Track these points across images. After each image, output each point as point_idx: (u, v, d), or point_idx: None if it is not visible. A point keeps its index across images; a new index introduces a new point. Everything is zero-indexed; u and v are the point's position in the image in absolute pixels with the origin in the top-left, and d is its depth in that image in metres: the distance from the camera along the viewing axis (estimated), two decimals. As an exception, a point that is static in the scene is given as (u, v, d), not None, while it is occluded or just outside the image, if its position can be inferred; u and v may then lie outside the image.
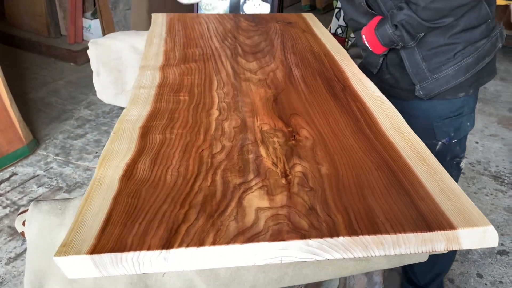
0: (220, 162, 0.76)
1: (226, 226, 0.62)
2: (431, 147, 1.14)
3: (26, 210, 0.76)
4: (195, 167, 0.74)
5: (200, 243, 0.59)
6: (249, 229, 0.62)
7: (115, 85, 1.44)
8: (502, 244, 1.78)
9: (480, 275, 1.62)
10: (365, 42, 1.17)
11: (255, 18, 1.55)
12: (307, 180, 0.72)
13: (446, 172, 0.76)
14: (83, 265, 0.58)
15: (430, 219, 0.65)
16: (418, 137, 0.85)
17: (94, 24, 3.36)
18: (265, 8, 2.63)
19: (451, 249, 0.67)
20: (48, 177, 1.99)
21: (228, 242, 0.60)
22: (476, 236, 0.64)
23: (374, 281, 0.80)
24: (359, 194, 0.69)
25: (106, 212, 0.64)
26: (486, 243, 0.66)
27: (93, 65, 1.42)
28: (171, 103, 0.95)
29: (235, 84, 1.05)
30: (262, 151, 0.79)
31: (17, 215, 0.77)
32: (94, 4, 3.37)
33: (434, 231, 0.63)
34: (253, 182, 0.71)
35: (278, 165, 0.76)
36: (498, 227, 1.86)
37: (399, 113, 0.94)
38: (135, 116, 0.90)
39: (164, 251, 0.58)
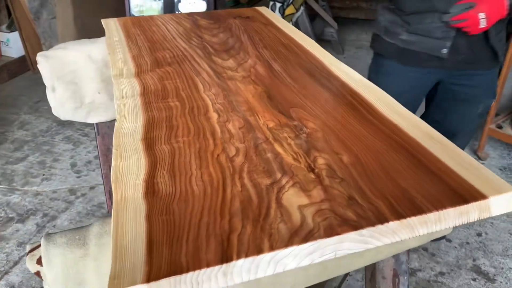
0: (241, 165, 0.73)
1: (276, 229, 0.60)
2: (488, 106, 1.35)
3: (36, 248, 0.68)
4: (219, 174, 0.71)
5: (258, 250, 0.57)
6: (300, 229, 0.60)
7: (73, 99, 1.33)
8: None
9: (448, 240, 1.72)
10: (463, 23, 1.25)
11: (211, 16, 1.52)
12: (335, 171, 0.71)
13: (455, 146, 0.79)
14: (138, 295, 0.53)
15: (462, 192, 0.67)
16: (417, 116, 0.88)
17: (12, 38, 3.09)
18: (201, 6, 2.58)
19: (482, 218, 0.70)
20: (-6, 209, 1.81)
21: (286, 245, 0.57)
22: (504, 202, 0.68)
23: (401, 260, 0.82)
24: (389, 178, 0.70)
25: (145, 235, 0.59)
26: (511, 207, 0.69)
27: (47, 80, 1.30)
28: (164, 111, 0.90)
29: (221, 84, 1.01)
30: (278, 148, 0.77)
31: (27, 254, 0.69)
32: (9, 16, 3.10)
33: (470, 203, 0.66)
34: (284, 181, 0.69)
35: (300, 160, 0.74)
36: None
37: (389, 96, 0.97)
38: (130, 129, 0.84)
39: (224, 265, 0.55)
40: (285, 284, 0.72)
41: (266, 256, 0.57)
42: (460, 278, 1.54)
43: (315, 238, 0.59)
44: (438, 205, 0.65)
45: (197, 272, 0.54)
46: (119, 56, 1.16)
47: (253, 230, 0.60)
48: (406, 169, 0.72)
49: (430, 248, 1.69)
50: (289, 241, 0.58)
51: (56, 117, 2.54)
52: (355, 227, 0.61)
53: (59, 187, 1.96)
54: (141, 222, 0.61)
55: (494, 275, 1.56)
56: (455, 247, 1.68)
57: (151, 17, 1.50)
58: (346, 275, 1.13)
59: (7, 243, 1.65)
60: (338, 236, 0.60)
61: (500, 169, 2.15)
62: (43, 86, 2.71)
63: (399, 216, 0.63)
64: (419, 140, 0.81)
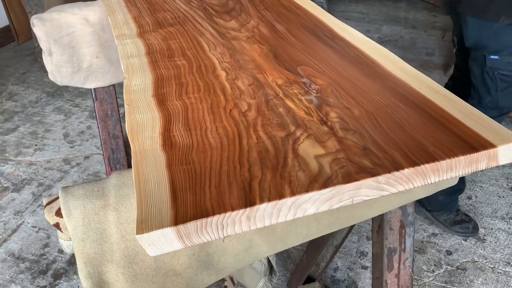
0: (255, 119, 0.74)
1: (295, 176, 0.61)
2: None
3: (53, 200, 0.68)
4: (233, 127, 0.71)
5: (280, 195, 0.58)
6: (319, 176, 0.61)
7: (71, 63, 1.31)
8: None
9: (431, 223, 1.77)
10: None
11: (208, -21, 1.49)
12: (348, 124, 0.72)
13: (460, 99, 0.81)
14: (166, 239, 0.54)
15: (471, 141, 0.69)
16: (422, 73, 0.90)
17: (-5, 6, 2.99)
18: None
19: (490, 167, 0.72)
20: (-12, 179, 1.79)
21: (307, 190, 0.59)
22: (511, 151, 0.70)
23: (408, 212, 0.85)
24: (401, 129, 0.72)
25: (168, 182, 0.60)
26: (518, 157, 0.72)
27: (43, 43, 1.27)
28: (171, 69, 0.89)
29: (225, 44, 1.01)
30: (290, 103, 0.78)
31: (44, 207, 0.69)
32: (-10, -16, 3.00)
33: (479, 151, 0.68)
34: (298, 133, 0.70)
35: (312, 114, 0.75)
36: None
37: (394, 54, 0.98)
38: (139, 86, 0.84)
39: (248, 209, 0.56)
40: (299, 234, 0.74)
41: (287, 201, 0.58)
42: (452, 238, 1.60)
43: (333, 184, 0.60)
44: (450, 154, 0.67)
45: (222, 215, 0.56)
46: (119, 17, 1.14)
47: (273, 177, 0.61)
48: (417, 122, 0.74)
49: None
50: (309, 187, 0.59)
51: (45, 88, 2.50)
52: (372, 173, 0.62)
53: (53, 157, 1.94)
54: (163, 171, 0.62)
55: (484, 235, 1.61)
56: (444, 213, 1.73)
57: (147, -21, 1.47)
58: (348, 233, 1.16)
59: (3, 212, 1.64)
60: (356, 182, 0.61)
61: None
62: (28, 57, 2.66)
63: (413, 163, 0.64)
64: (426, 94, 0.82)
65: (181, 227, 0.54)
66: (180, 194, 0.58)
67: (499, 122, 1.55)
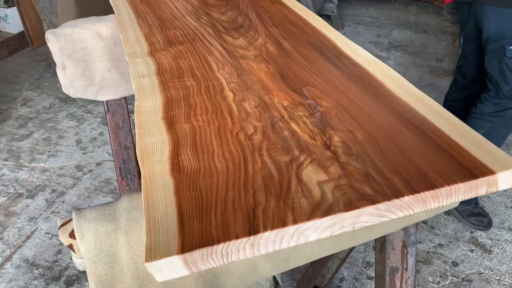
0: (260, 142, 0.76)
1: (298, 203, 0.63)
2: None
3: (66, 222, 0.71)
4: (239, 151, 0.74)
5: (283, 223, 0.60)
6: (321, 203, 0.63)
7: (84, 77, 1.35)
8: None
9: (447, 213, 1.78)
10: None
11: (218, -7, 1.52)
12: (350, 149, 0.75)
13: (463, 123, 0.83)
14: (173, 266, 0.57)
15: (471, 167, 0.71)
16: (424, 93, 0.91)
17: (11, 13, 3.05)
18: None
19: (490, 192, 0.73)
20: (3, 185, 1.84)
21: (309, 218, 0.61)
22: (510, 177, 0.72)
23: (410, 232, 0.86)
24: (401, 154, 0.74)
25: (175, 208, 0.62)
26: (518, 182, 0.73)
27: (57, 58, 1.31)
28: (181, 90, 0.92)
29: (233, 63, 1.03)
30: (294, 126, 0.80)
31: (58, 228, 0.72)
32: (6, -9, 3.06)
33: (479, 178, 0.69)
34: (302, 158, 0.72)
35: (316, 138, 0.77)
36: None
37: (397, 73, 0.99)
38: (150, 107, 0.86)
39: (251, 237, 0.59)
40: (302, 255, 0.76)
41: (290, 229, 0.60)
42: (458, 249, 1.60)
43: (335, 212, 0.62)
44: (449, 180, 0.68)
45: (227, 243, 0.58)
46: (131, 34, 1.18)
47: (276, 204, 0.63)
48: (418, 146, 0.76)
49: (429, 221, 1.74)
50: (311, 215, 0.62)
51: (58, 93, 2.55)
52: (373, 201, 0.64)
53: (65, 164, 1.99)
54: (171, 197, 0.65)
55: (491, 246, 1.62)
56: (453, 220, 1.74)
57: (158, -6, 1.50)
58: (352, 248, 1.18)
59: (18, 218, 1.69)
60: (357, 210, 0.63)
61: None
62: (42, 63, 2.71)
63: (413, 191, 0.66)
64: (428, 117, 0.84)
65: (187, 255, 0.57)
66: (187, 221, 0.61)
67: None
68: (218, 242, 0.58)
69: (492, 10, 1.56)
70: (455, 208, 1.74)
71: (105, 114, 1.45)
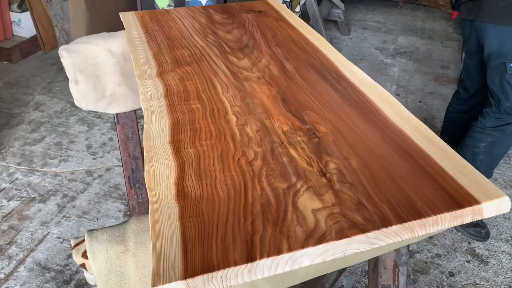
0: (260, 168, 0.81)
1: (293, 232, 0.68)
2: None
3: (79, 243, 0.77)
4: (240, 177, 0.79)
5: (278, 251, 0.65)
6: (314, 232, 0.68)
7: (95, 91, 1.41)
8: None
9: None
10: None
11: (224, 9, 1.57)
12: (345, 176, 0.79)
13: (453, 150, 0.87)
14: (177, 289, 0.62)
15: (458, 197, 0.75)
16: (418, 119, 0.96)
17: (24, 18, 3.13)
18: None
19: (475, 220, 0.78)
20: (16, 189, 1.91)
21: (302, 247, 0.66)
22: (495, 206, 0.76)
23: (401, 253, 0.91)
24: (393, 183, 0.78)
25: (179, 235, 0.68)
26: (502, 211, 0.78)
27: (70, 73, 1.37)
28: (187, 113, 0.97)
29: (237, 85, 1.08)
30: (293, 152, 0.85)
31: (72, 248, 0.78)
32: (20, -5, 3.13)
33: (464, 207, 0.74)
34: (298, 185, 0.77)
35: (313, 164, 0.82)
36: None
37: (394, 98, 1.04)
38: (158, 131, 0.92)
39: (249, 264, 0.64)
40: (298, 275, 0.81)
41: (285, 256, 0.65)
42: (456, 260, 1.65)
43: (327, 241, 0.67)
44: (436, 210, 0.73)
45: (226, 270, 0.63)
46: (141, 54, 1.23)
47: (273, 232, 0.68)
48: (409, 174, 0.80)
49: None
50: (304, 243, 0.67)
51: (69, 98, 2.62)
52: (363, 230, 0.69)
53: (76, 169, 2.05)
54: (175, 223, 0.70)
55: (488, 257, 1.66)
56: (452, 231, 1.78)
57: (167, 11, 1.55)
58: (343, 270, 1.23)
59: (31, 222, 1.76)
60: (347, 238, 0.68)
61: None
62: (54, 67, 2.78)
63: (402, 220, 0.71)
64: (421, 145, 0.88)
65: (190, 280, 0.62)
66: (190, 247, 0.66)
67: None
68: (218, 268, 0.63)
69: (493, 28, 1.59)
70: None
71: (115, 126, 1.51)
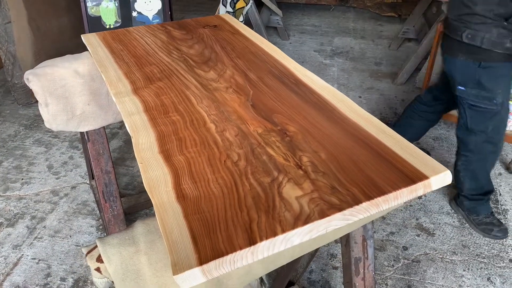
0: (245, 167, 0.93)
1: (284, 217, 0.81)
2: None
3: (92, 249, 0.85)
4: (229, 177, 0.91)
5: (274, 234, 0.78)
6: (300, 215, 0.81)
7: (65, 112, 1.46)
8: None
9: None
10: None
11: (181, 25, 1.67)
12: (317, 167, 0.93)
13: (403, 138, 1.04)
14: (194, 275, 0.73)
15: (410, 175, 0.91)
16: (371, 114, 1.12)
17: (-39, 42, 3.01)
18: (157, 5, 2.69)
19: (425, 193, 0.95)
20: (-20, 216, 1.88)
21: (293, 228, 0.79)
22: (440, 179, 0.93)
23: (367, 228, 1.06)
24: (358, 169, 0.93)
25: (188, 231, 0.78)
26: (446, 182, 0.95)
27: (39, 96, 1.41)
28: (169, 125, 1.07)
29: (209, 96, 1.20)
30: (270, 151, 0.98)
31: (85, 255, 0.86)
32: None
33: (417, 183, 0.90)
34: (280, 178, 0.90)
35: (289, 160, 0.95)
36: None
37: (349, 98, 1.20)
38: (146, 144, 1.01)
39: (252, 247, 0.76)
40: (286, 255, 0.94)
41: (279, 237, 0.78)
42: (407, 235, 1.85)
43: (312, 221, 0.80)
44: (395, 187, 0.89)
45: (233, 254, 0.75)
46: (112, 73, 1.30)
47: (267, 219, 0.81)
48: (370, 160, 0.96)
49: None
50: (294, 225, 0.79)
51: (21, 120, 2.59)
52: (340, 209, 0.83)
53: (40, 190, 2.06)
54: (182, 221, 0.80)
55: (434, 229, 1.87)
56: (401, 210, 1.99)
57: (127, 30, 1.63)
58: (313, 255, 1.38)
59: (2, 247, 1.75)
60: (328, 217, 0.82)
61: None
62: (0, 89, 2.71)
63: (369, 198, 0.86)
64: (375, 135, 1.04)
65: (204, 266, 0.73)
66: (199, 239, 0.77)
67: (475, 139, 1.81)
68: (227, 253, 0.74)
69: (446, 57, 1.84)
70: (467, 218, 1.94)
71: (86, 143, 1.57)
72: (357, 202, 0.85)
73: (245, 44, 1.51)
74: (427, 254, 1.76)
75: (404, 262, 1.72)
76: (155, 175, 0.92)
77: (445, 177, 0.93)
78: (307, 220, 0.80)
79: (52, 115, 1.45)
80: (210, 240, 0.77)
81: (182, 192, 0.87)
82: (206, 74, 1.32)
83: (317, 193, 0.86)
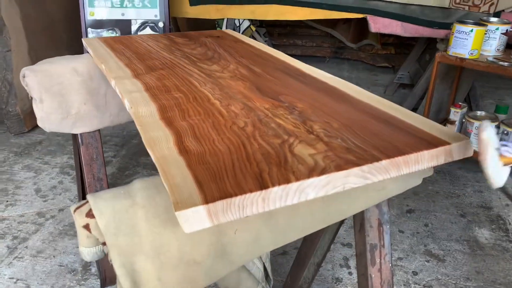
0: (253, 132, 0.87)
1: (297, 168, 0.74)
2: None
3: (81, 205, 0.76)
4: (236, 138, 0.84)
5: (287, 181, 0.70)
6: (315, 167, 0.74)
7: (60, 110, 1.40)
8: (407, 205, 2.13)
9: (401, 231, 1.92)
10: None
11: (184, 35, 1.67)
12: (330, 133, 0.87)
13: (419, 115, 0.99)
14: (198, 215, 0.64)
15: (431, 141, 0.85)
16: (381, 98, 1.08)
17: (-42, 73, 3.00)
18: (158, 37, 2.72)
19: (446, 161, 0.88)
20: (-43, 236, 1.74)
21: (308, 177, 0.71)
22: (461, 148, 0.87)
23: (383, 211, 0.98)
24: (374, 135, 0.87)
25: (191, 176, 0.70)
26: (468, 153, 0.89)
27: (34, 91, 1.36)
28: (171, 100, 1.02)
29: (213, 81, 1.15)
30: (279, 120, 0.92)
31: (74, 212, 0.76)
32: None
33: (438, 147, 0.84)
34: (291, 140, 0.83)
35: (300, 127, 0.89)
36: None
37: (355, 85, 1.16)
38: (146, 112, 0.95)
39: (263, 191, 0.68)
40: (297, 227, 0.85)
41: (293, 185, 0.70)
42: (416, 261, 1.73)
43: (328, 172, 0.73)
44: (416, 149, 0.82)
45: (243, 196, 0.66)
46: (112, 64, 1.27)
47: (278, 169, 0.73)
48: (384, 130, 0.90)
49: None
50: (309, 175, 0.72)
51: (11, 148, 2.51)
52: (358, 164, 0.76)
53: (26, 211, 1.94)
54: (184, 169, 0.72)
55: (444, 256, 1.76)
56: (408, 237, 1.88)
57: (129, 36, 1.62)
58: (327, 250, 1.27)
59: (-22, 267, 1.61)
60: (345, 171, 0.74)
61: None
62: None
63: (389, 157, 0.79)
64: (389, 112, 0.99)
65: (210, 205, 0.64)
66: (205, 184, 0.69)
67: None
68: (236, 195, 0.66)
69: None
70: None
71: (79, 147, 1.49)
72: (377, 159, 0.78)
73: (248, 49, 1.50)
74: (439, 279, 1.64)
75: (415, 287, 1.60)
76: (155, 135, 0.85)
77: (466, 146, 0.87)
78: (323, 172, 0.73)
79: (46, 113, 1.39)
80: (217, 184, 0.69)
81: (185, 148, 0.80)
82: (209, 67, 1.28)
83: (332, 152, 0.79)
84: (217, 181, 0.70)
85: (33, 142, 2.65)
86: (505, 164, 0.80)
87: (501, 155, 0.80)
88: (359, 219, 0.98)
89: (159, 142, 0.82)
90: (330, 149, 0.80)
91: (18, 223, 1.85)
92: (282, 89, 1.11)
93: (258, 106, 0.99)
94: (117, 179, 2.24)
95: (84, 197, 1.97)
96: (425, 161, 0.83)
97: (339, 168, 0.74)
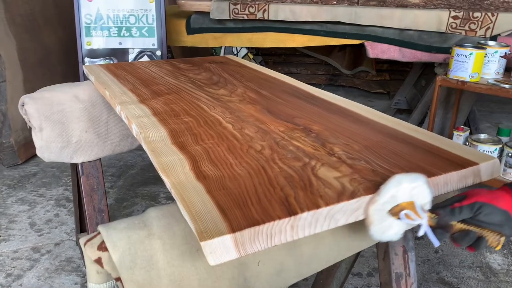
0: (271, 155, 0.82)
1: (324, 192, 0.69)
2: None
3: (92, 237, 0.70)
4: (255, 161, 0.79)
5: (316, 206, 0.65)
6: (344, 191, 0.69)
7: (61, 138, 1.35)
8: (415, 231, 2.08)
9: (412, 260, 1.87)
10: None
11: (187, 61, 1.64)
12: (352, 155, 0.83)
13: (438, 135, 0.95)
14: (224, 246, 0.59)
15: (458, 162, 0.81)
16: (399, 119, 1.04)
17: (-50, 105, 2.94)
18: (155, 66, 2.69)
19: (474, 183, 0.84)
20: None
21: (338, 201, 0.67)
22: (489, 168, 0.83)
23: (408, 237, 0.93)
24: (397, 156, 0.83)
25: (213, 202, 0.65)
26: (495, 173, 0.85)
27: (34, 120, 1.31)
28: (181, 124, 0.97)
29: (222, 105, 1.11)
30: (296, 143, 0.88)
31: (84, 245, 0.70)
32: None
33: (466, 167, 0.80)
34: (313, 163, 0.79)
35: (319, 150, 0.85)
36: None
37: (367, 107, 1.13)
38: (156, 137, 0.90)
39: (292, 218, 0.63)
40: (321, 258, 0.80)
41: (323, 211, 0.65)
42: (428, 285, 1.67)
43: (358, 196, 0.68)
44: (444, 170, 0.78)
45: (271, 224, 0.61)
46: (116, 89, 1.23)
47: (305, 193, 0.68)
48: (409, 151, 0.86)
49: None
50: (338, 199, 0.67)
51: (5, 180, 2.43)
52: (387, 186, 0.72)
53: (20, 247, 1.85)
54: (205, 195, 0.67)
55: (457, 284, 1.70)
56: (419, 264, 1.82)
57: (131, 63, 1.59)
58: (344, 281, 1.21)
59: (-31, 307, 1.51)
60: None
61: None
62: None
63: (417, 178, 0.75)
64: (408, 132, 0.96)
65: (237, 234, 0.59)
66: (228, 210, 0.64)
67: None
68: (263, 222, 0.61)
69: None
70: None
71: (79, 177, 1.43)
72: (406, 181, 0.73)
73: (253, 73, 1.47)
74: (455, 308, 1.57)
75: (431, 317, 1.53)
76: (169, 160, 0.80)
77: (494, 166, 0.83)
78: (353, 195, 0.68)
79: (46, 141, 1.33)
80: (242, 211, 0.64)
81: (202, 174, 0.75)
82: (216, 91, 1.25)
83: (358, 175, 0.75)
84: (241, 207, 0.65)
85: (27, 174, 2.58)
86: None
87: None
88: (383, 246, 0.92)
89: (173, 167, 0.77)
90: (355, 172, 0.76)
91: (11, 259, 1.76)
92: (294, 111, 1.07)
93: (272, 129, 0.95)
94: (115, 211, 2.16)
95: (82, 230, 1.89)
96: (453, 183, 0.79)
97: (369, 191, 0.70)
